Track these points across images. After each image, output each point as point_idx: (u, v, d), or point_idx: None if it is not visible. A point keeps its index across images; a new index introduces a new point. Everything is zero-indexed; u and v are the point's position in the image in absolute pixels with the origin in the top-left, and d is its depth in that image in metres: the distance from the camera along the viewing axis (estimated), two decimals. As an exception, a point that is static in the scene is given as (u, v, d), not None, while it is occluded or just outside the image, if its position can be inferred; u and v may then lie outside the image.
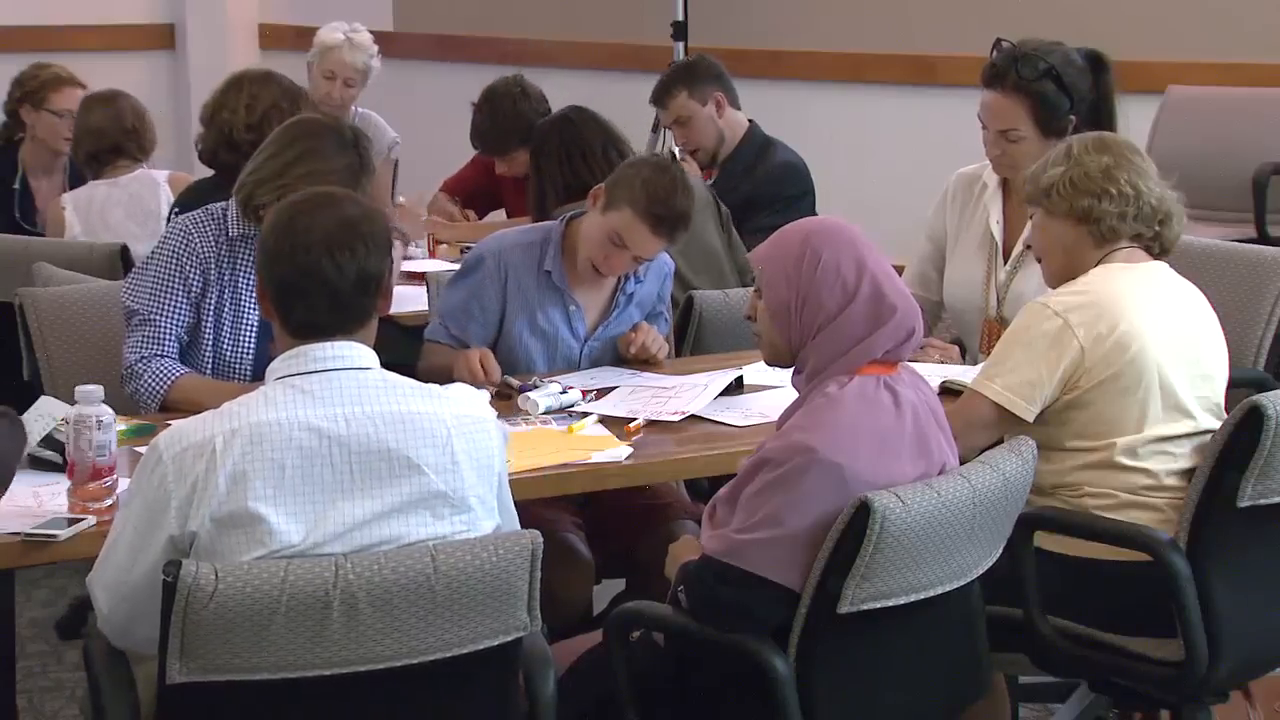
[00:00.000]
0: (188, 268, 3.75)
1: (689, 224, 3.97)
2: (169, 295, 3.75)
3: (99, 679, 2.76)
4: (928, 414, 2.94)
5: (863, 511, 2.72)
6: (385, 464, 2.61)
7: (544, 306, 4.03)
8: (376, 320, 2.75)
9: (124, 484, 3.03)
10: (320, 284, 2.66)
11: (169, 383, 3.69)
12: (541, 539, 2.63)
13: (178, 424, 2.64)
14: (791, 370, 3.00)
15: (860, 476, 2.79)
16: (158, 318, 3.74)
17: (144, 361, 3.70)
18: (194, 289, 3.75)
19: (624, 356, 4.10)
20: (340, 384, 2.63)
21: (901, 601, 2.82)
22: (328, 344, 2.66)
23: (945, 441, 2.97)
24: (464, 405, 2.73)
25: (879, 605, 2.80)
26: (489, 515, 2.72)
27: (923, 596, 2.85)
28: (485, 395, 2.84)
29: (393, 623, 2.51)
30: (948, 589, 2.90)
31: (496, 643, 2.62)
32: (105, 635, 2.75)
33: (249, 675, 2.49)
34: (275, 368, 2.69)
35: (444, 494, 2.64)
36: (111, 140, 5.25)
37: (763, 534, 2.80)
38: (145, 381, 3.69)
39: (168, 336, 3.73)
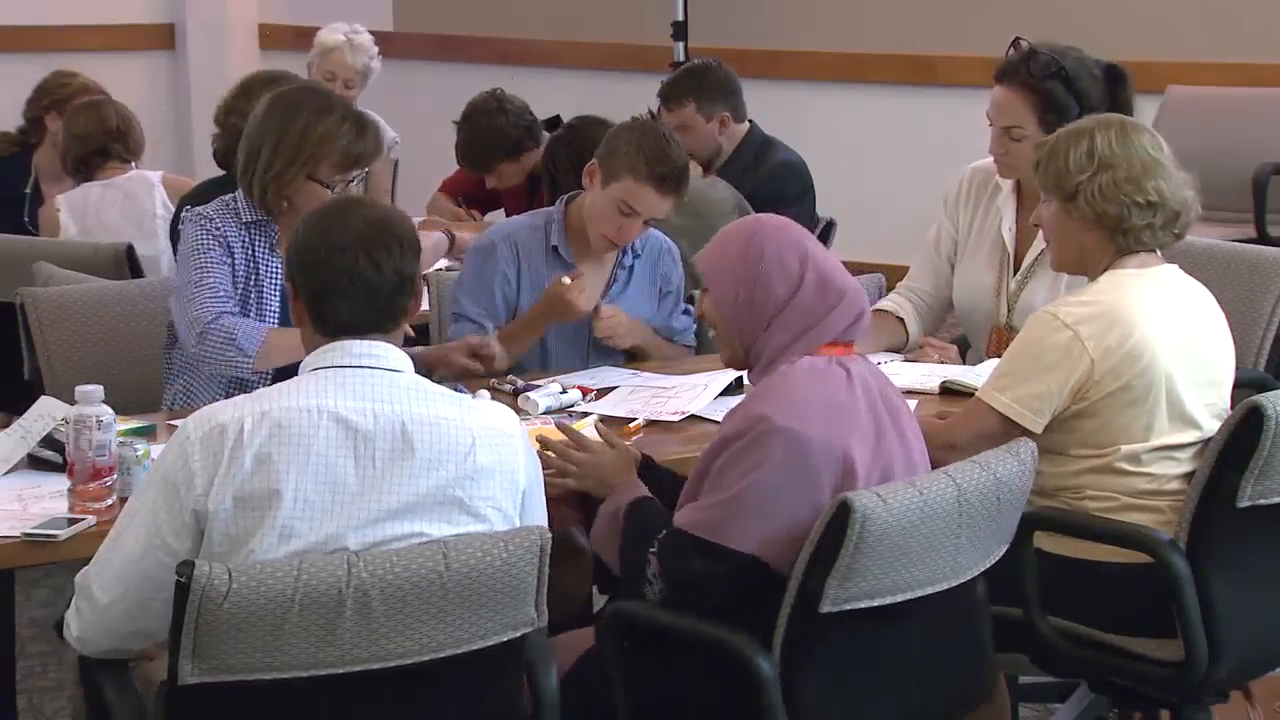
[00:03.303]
0: (217, 248, 3.74)
1: (689, 175, 4.06)
2: (212, 261, 3.73)
3: (101, 685, 2.74)
4: (881, 393, 2.98)
5: (843, 511, 2.71)
6: (407, 464, 2.63)
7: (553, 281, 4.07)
8: (405, 325, 2.79)
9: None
10: (360, 283, 2.71)
11: (263, 333, 3.67)
12: (550, 536, 2.65)
13: (207, 407, 2.66)
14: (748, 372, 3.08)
15: (817, 442, 2.84)
16: (211, 278, 3.71)
17: (224, 316, 3.67)
18: (227, 265, 3.75)
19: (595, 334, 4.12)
20: (373, 381, 2.67)
21: (886, 602, 2.81)
22: (364, 341, 2.71)
23: (908, 429, 3.00)
24: (491, 417, 2.75)
25: (863, 605, 2.79)
26: (506, 526, 2.72)
27: (909, 597, 2.83)
28: (511, 412, 2.86)
29: (404, 620, 2.52)
30: (936, 589, 2.88)
31: (505, 639, 2.63)
32: (89, 637, 2.71)
33: (261, 675, 2.48)
34: (310, 360, 2.73)
35: (461, 500, 2.66)
36: (97, 143, 5.26)
37: (733, 507, 2.85)
38: (242, 333, 3.65)
39: (225, 294, 3.70)
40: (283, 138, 3.71)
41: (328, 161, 3.69)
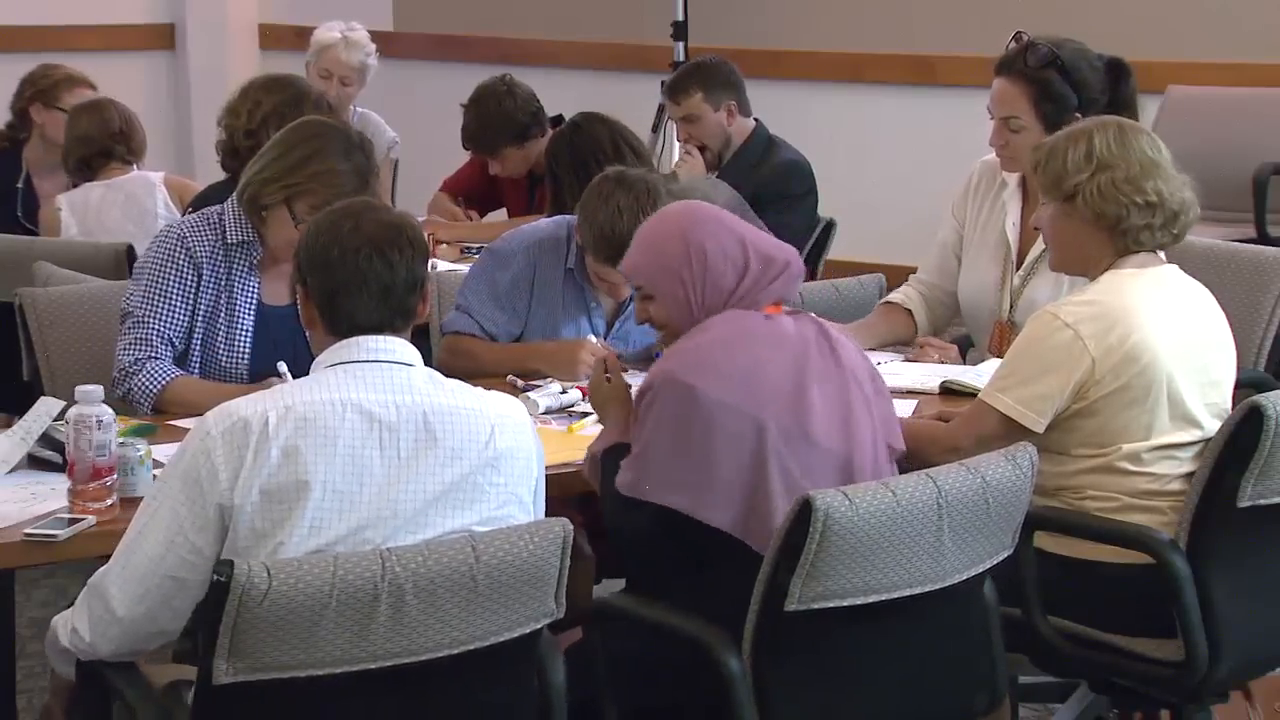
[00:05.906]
0: (184, 269, 3.74)
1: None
2: (162, 297, 3.73)
3: (115, 688, 2.72)
4: (821, 347, 3.05)
5: (805, 509, 2.71)
6: (431, 454, 2.67)
7: (567, 304, 4.09)
8: (413, 324, 2.83)
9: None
10: (374, 283, 2.75)
11: (163, 383, 3.66)
12: (572, 528, 2.66)
13: (226, 403, 2.68)
14: None
15: (722, 398, 2.92)
16: (150, 319, 3.72)
17: (137, 363, 3.68)
18: (189, 290, 3.75)
19: None
20: (391, 375, 2.71)
21: (859, 602, 2.79)
22: (378, 337, 2.75)
23: (843, 387, 3.04)
24: (505, 405, 2.81)
25: (832, 605, 2.77)
26: (525, 514, 2.77)
27: (885, 599, 2.81)
28: (519, 402, 2.89)
29: (436, 613, 2.54)
30: (917, 592, 2.84)
31: (528, 630, 2.65)
32: (102, 641, 2.69)
33: (296, 672, 2.49)
34: (324, 358, 2.76)
35: (483, 487, 2.70)
36: (99, 144, 5.25)
37: (643, 462, 2.96)
38: (139, 381, 3.66)
39: (159, 339, 3.71)
40: (284, 154, 3.69)
41: (309, 199, 3.62)
